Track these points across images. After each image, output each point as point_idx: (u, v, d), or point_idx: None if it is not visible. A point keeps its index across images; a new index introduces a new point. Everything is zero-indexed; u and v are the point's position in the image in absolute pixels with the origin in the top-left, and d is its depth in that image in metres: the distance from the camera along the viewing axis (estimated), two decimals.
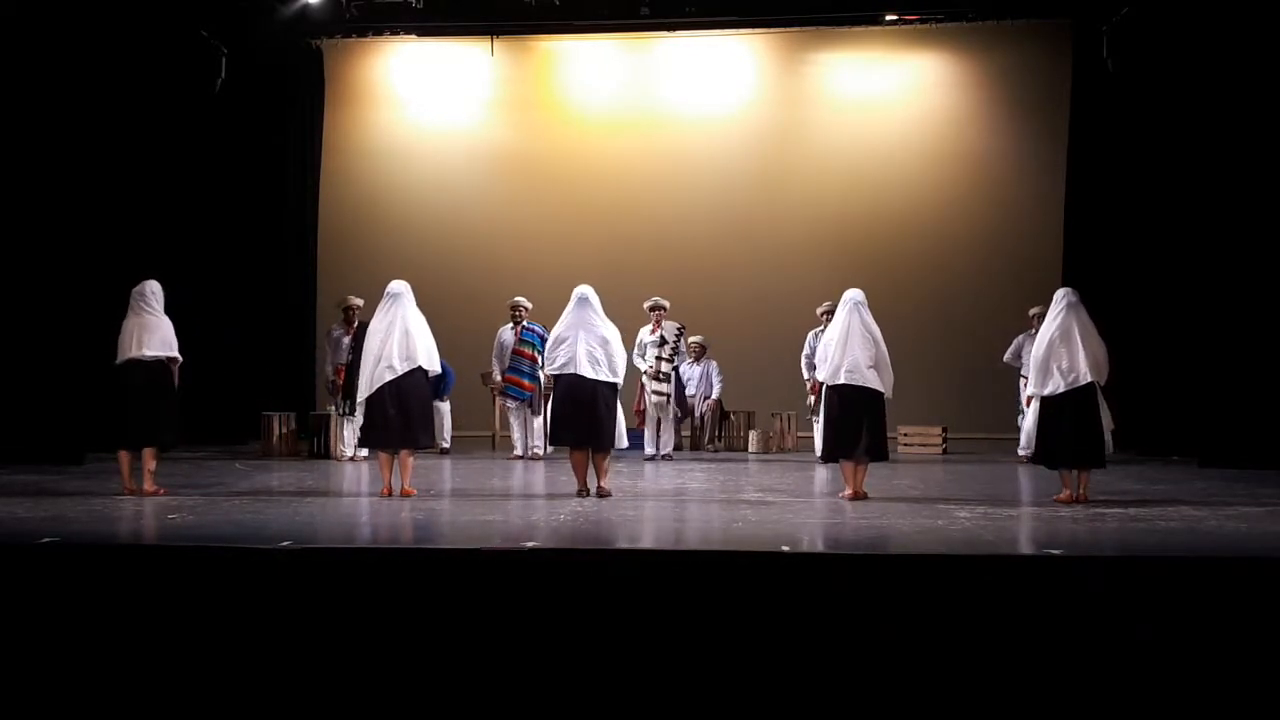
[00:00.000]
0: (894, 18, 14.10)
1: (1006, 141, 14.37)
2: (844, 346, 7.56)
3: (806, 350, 10.97)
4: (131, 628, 5.04)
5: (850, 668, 4.85)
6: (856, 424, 7.51)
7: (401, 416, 7.58)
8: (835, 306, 7.89)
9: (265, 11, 13.03)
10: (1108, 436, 7.54)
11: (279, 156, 14.10)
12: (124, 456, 7.86)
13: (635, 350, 10.74)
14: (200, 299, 12.47)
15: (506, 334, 11.41)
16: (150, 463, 7.79)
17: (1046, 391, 7.43)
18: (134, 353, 7.78)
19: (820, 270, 14.11)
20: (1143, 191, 12.16)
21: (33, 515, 6.58)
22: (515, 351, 11.28)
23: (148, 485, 7.75)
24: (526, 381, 11.20)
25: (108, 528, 6.25)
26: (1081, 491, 7.48)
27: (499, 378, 11.41)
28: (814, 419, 10.13)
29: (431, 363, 7.70)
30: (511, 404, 11.43)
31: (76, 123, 10.83)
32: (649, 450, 11.38)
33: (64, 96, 10.68)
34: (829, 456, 7.81)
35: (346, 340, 10.85)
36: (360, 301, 10.89)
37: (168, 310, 8.07)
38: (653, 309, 11.38)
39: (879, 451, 7.61)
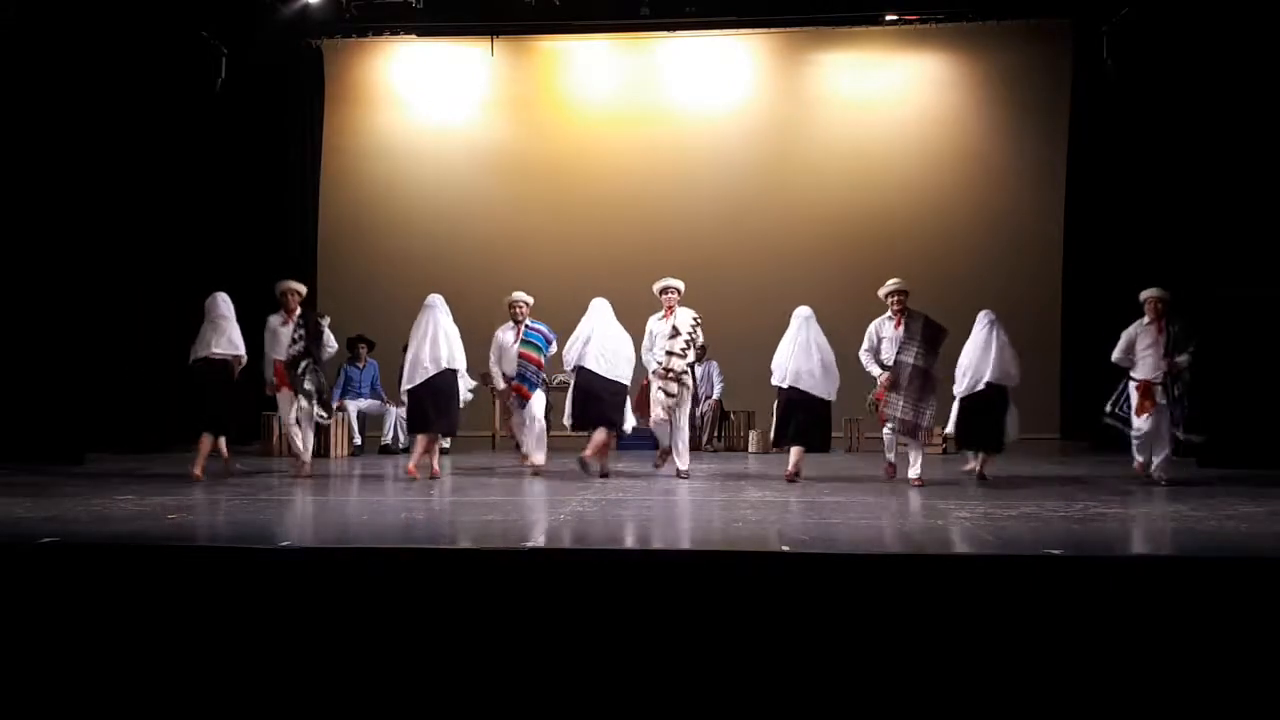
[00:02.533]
0: (894, 18, 14.13)
1: (1006, 141, 14.39)
2: (795, 356, 9.07)
3: (867, 344, 9.03)
4: (131, 628, 5.03)
5: (850, 668, 4.85)
6: (801, 419, 8.99)
7: (436, 409, 9.15)
8: (900, 287, 8.94)
9: (265, 11, 13.04)
10: (1012, 431, 9.10)
11: (279, 157, 14.11)
12: (205, 441, 9.21)
13: (645, 341, 9.39)
14: (200, 299, 12.49)
15: (505, 335, 9.96)
16: (222, 445, 9.49)
17: (961, 391, 9.16)
18: (203, 353, 9.22)
19: (820, 270, 14.15)
20: (1142, 191, 12.17)
21: (33, 515, 6.57)
22: (521, 355, 9.85)
23: (226, 457, 9.57)
24: (528, 390, 9.86)
25: (108, 528, 6.24)
26: (982, 469, 9.18)
27: (501, 385, 9.96)
28: (886, 421, 8.91)
29: (458, 364, 9.31)
30: (517, 403, 10.01)
31: (77, 123, 10.85)
32: (677, 461, 9.41)
33: (64, 97, 10.70)
34: (778, 443, 9.46)
35: (286, 330, 9.26)
36: (302, 288, 9.51)
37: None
38: (663, 291, 9.40)
39: (823, 443, 9.30)
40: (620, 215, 14.38)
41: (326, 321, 9.50)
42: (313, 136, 14.61)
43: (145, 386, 11.85)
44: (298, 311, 9.27)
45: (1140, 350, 8.80)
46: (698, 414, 13.05)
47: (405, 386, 9.26)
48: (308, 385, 9.07)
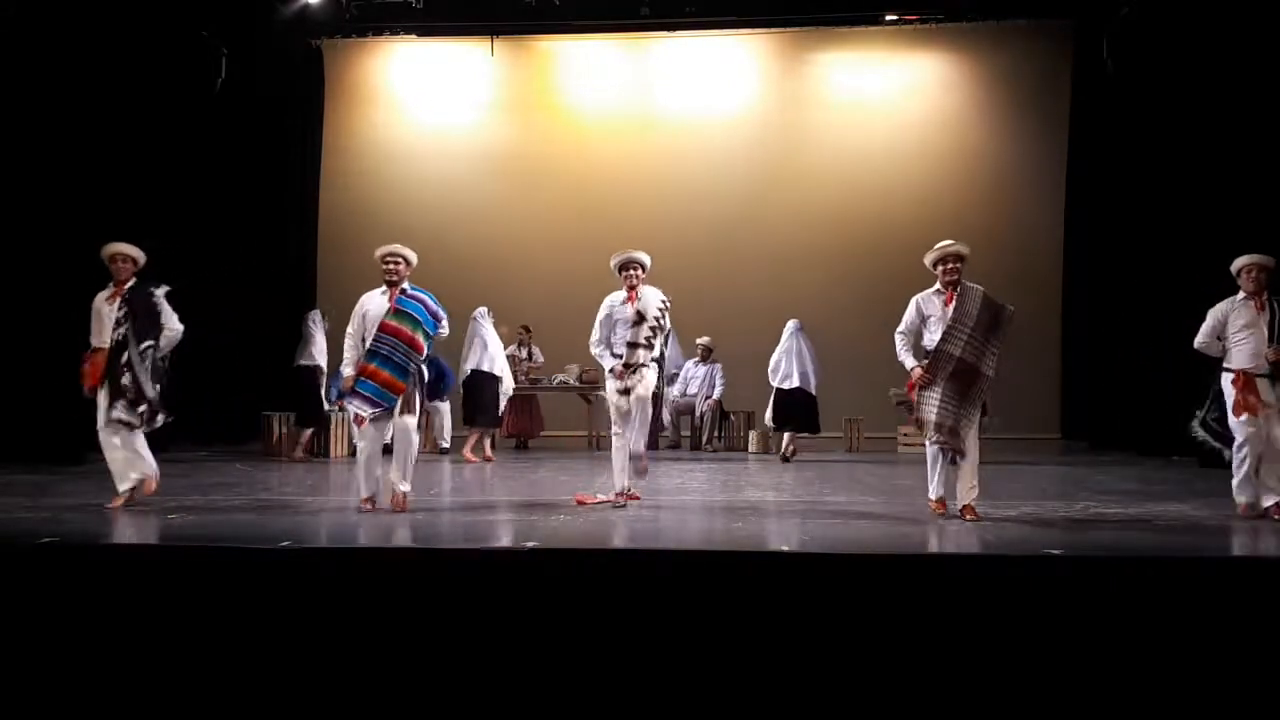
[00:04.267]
0: (894, 18, 14.15)
1: (1006, 141, 14.39)
2: (791, 362, 11.42)
3: (905, 324, 6.91)
4: (131, 628, 5.03)
5: (850, 667, 4.85)
6: (795, 412, 11.40)
7: (478, 406, 11.13)
8: (957, 250, 6.80)
9: (265, 11, 13.04)
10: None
11: (279, 156, 14.11)
12: (305, 434, 11.36)
13: (595, 332, 7.56)
14: (199, 298, 12.45)
15: (375, 300, 7.21)
16: (303, 436, 11.34)
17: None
18: (297, 362, 11.26)
19: (819, 270, 14.17)
20: (1142, 191, 12.15)
21: (33, 515, 6.57)
22: (385, 328, 7.00)
23: (298, 453, 11.19)
24: (390, 375, 6.94)
25: (107, 528, 6.24)
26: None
27: (349, 370, 7.04)
28: (915, 411, 6.85)
29: (495, 368, 11.23)
30: (361, 410, 7.03)
31: (77, 123, 10.82)
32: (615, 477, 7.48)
33: (65, 97, 10.68)
34: (780, 428, 11.62)
35: (112, 309, 7.21)
36: (135, 252, 7.35)
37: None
38: (624, 268, 7.51)
39: (813, 426, 11.55)
40: (618, 214, 14.37)
41: (162, 292, 7.33)
42: (313, 136, 14.61)
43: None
44: (130, 284, 7.25)
45: (1235, 332, 6.85)
46: (697, 414, 13.06)
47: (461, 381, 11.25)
48: (124, 380, 7.02)
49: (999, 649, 4.83)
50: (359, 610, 5.06)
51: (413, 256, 7.21)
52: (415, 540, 6.04)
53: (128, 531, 6.28)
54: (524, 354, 12.96)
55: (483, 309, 11.44)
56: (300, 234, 14.40)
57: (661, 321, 7.50)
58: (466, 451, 11.18)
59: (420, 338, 7.01)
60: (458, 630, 4.99)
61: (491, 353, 11.26)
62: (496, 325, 11.78)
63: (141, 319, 7.12)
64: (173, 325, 7.27)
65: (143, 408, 7.06)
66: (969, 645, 4.84)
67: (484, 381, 11.19)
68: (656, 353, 7.51)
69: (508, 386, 11.50)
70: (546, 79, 14.93)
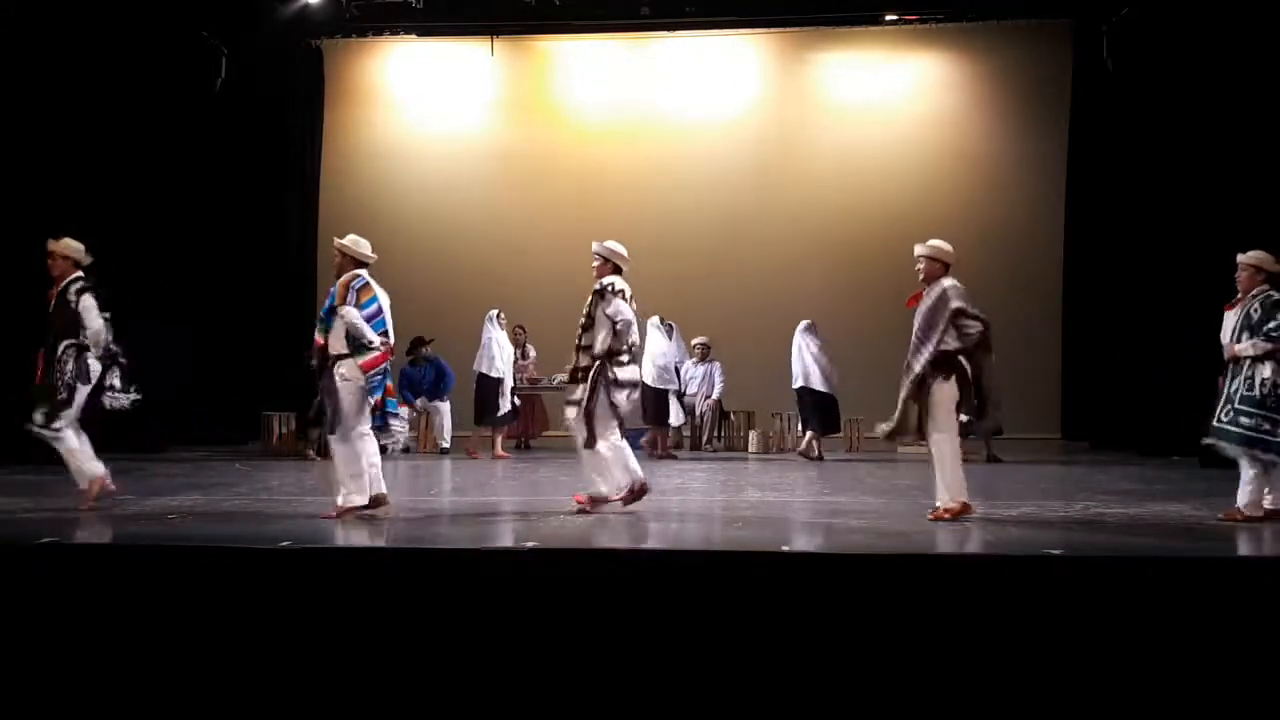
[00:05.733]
0: (894, 18, 14.14)
1: (1006, 142, 14.38)
2: (803, 360, 11.27)
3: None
4: (131, 628, 5.03)
5: (851, 667, 4.84)
6: (826, 410, 11.30)
7: (478, 405, 11.47)
8: (922, 252, 6.98)
9: (265, 11, 13.04)
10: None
11: (279, 156, 14.10)
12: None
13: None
14: (200, 298, 12.47)
15: None
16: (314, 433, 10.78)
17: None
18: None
19: (819, 269, 14.15)
20: (1143, 191, 12.15)
21: (33, 515, 6.57)
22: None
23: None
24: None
25: (107, 528, 6.24)
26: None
27: None
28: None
29: (493, 370, 11.48)
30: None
31: (77, 122, 10.83)
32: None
33: (64, 97, 10.69)
34: (825, 431, 11.47)
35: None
36: (69, 249, 7.12)
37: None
38: (596, 256, 7.07)
39: (833, 427, 11.52)
40: (619, 214, 14.31)
41: (77, 289, 6.93)
42: (313, 136, 14.60)
43: (144, 387, 11.80)
44: (67, 281, 6.98)
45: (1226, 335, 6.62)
46: (697, 414, 13.04)
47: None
48: (48, 382, 6.87)
49: (999, 649, 4.82)
50: (359, 610, 5.05)
51: (354, 249, 6.90)
52: (415, 540, 6.04)
53: (127, 532, 6.28)
54: (519, 354, 12.95)
55: (493, 311, 11.73)
56: (300, 234, 14.38)
57: (594, 315, 6.61)
58: (472, 449, 11.61)
59: (319, 333, 6.49)
60: (458, 630, 4.99)
61: (493, 354, 11.51)
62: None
63: (63, 318, 6.88)
64: (91, 324, 6.85)
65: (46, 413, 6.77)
66: (969, 645, 4.83)
67: (486, 383, 11.52)
68: (599, 349, 6.56)
69: (508, 386, 11.64)
70: (546, 79, 14.93)
